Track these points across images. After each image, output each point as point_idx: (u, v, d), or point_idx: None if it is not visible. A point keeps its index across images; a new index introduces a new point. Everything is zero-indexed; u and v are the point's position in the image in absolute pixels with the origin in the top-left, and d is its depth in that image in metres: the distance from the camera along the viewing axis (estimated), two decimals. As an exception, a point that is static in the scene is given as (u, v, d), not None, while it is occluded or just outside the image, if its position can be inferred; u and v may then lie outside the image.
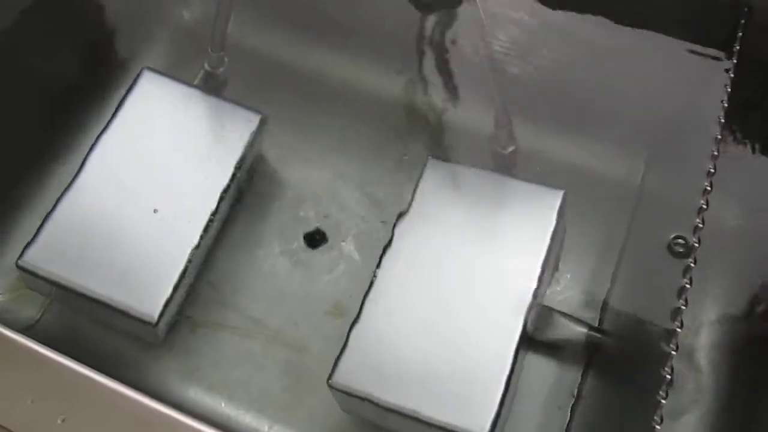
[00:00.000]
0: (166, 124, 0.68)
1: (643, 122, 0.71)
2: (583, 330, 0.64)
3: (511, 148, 0.69)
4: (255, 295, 0.69)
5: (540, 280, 0.62)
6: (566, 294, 0.68)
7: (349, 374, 0.58)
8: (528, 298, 0.61)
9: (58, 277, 0.61)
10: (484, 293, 0.61)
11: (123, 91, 0.69)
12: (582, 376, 0.65)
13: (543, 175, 0.67)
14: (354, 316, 0.60)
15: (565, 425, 0.63)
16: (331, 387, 0.58)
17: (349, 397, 0.58)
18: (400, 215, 0.64)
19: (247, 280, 0.69)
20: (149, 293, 0.61)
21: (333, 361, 0.59)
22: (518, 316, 0.61)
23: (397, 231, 0.64)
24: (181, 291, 0.64)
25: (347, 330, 0.60)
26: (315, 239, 0.71)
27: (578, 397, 0.65)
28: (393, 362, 0.58)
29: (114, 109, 0.68)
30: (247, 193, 0.72)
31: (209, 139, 0.68)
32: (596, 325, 0.66)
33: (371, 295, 0.61)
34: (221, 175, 0.66)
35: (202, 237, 0.64)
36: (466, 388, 0.57)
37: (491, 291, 0.61)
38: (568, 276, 0.69)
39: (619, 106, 0.72)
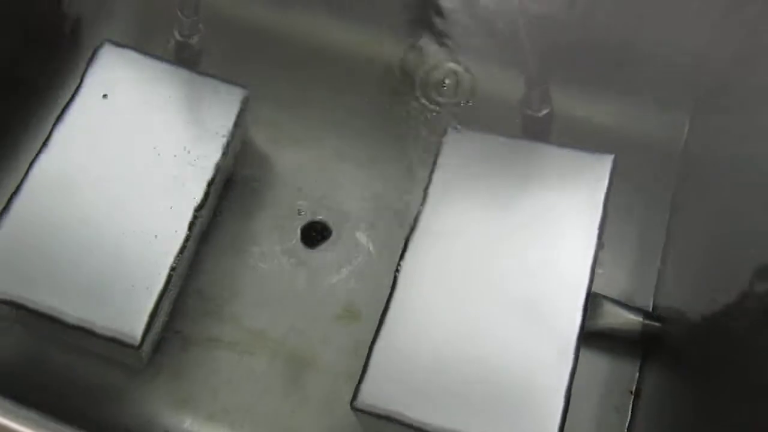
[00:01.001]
0: (134, 106, 0.62)
1: (688, 78, 0.68)
2: (638, 318, 0.60)
3: (544, 111, 0.63)
4: (252, 302, 0.64)
5: (595, 264, 0.56)
6: (611, 276, 0.63)
7: (376, 392, 0.53)
8: (584, 286, 0.55)
9: (17, 298, 0.55)
10: (530, 285, 0.55)
11: (80, 72, 0.64)
12: (640, 371, 0.61)
13: (579, 141, 0.62)
14: (369, 320, 0.57)
15: (626, 428, 0.59)
16: (355, 409, 0.53)
17: (376, 419, 0.53)
18: (424, 197, 0.59)
19: (243, 286, 0.65)
20: (129, 310, 0.56)
21: (348, 374, 0.56)
22: (575, 309, 0.55)
23: (421, 217, 0.58)
24: (166, 304, 0.59)
25: (362, 336, 0.57)
26: (318, 233, 0.67)
27: (638, 395, 0.60)
28: (427, 375, 0.53)
29: (70, 95, 0.62)
30: (234, 183, 0.68)
31: (187, 122, 0.62)
32: (650, 310, 0.62)
33: (396, 296, 0.56)
34: (205, 164, 0.61)
35: (186, 239, 0.59)
36: (518, 401, 0.52)
37: (539, 282, 0.56)
38: (612, 254, 0.64)
39: (661, 61, 0.68)
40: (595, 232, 0.57)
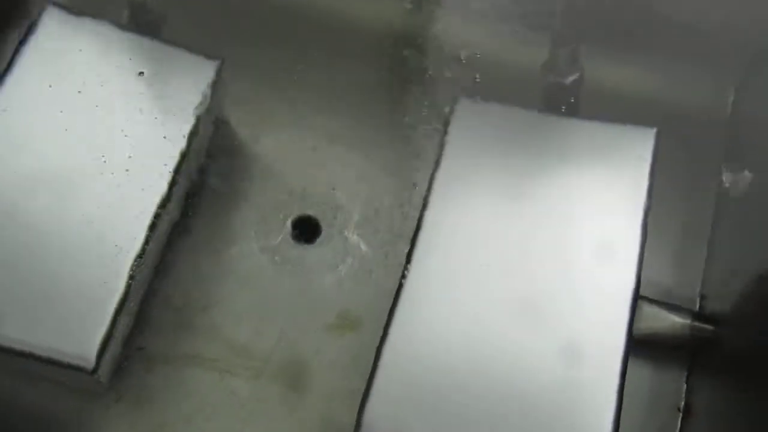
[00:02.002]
0: (83, 81, 0.59)
1: (737, 41, 0.65)
2: (685, 321, 0.58)
3: (573, 77, 0.61)
4: (232, 312, 0.62)
5: (642, 260, 0.53)
6: (649, 270, 0.58)
7: (384, 415, 0.50)
8: (629, 288, 0.52)
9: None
10: (563, 289, 0.53)
11: (15, 41, 0.60)
12: (688, 383, 0.59)
13: (613, 113, 0.59)
14: (368, 329, 0.57)
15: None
16: None
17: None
18: (431, 186, 0.56)
19: (220, 293, 0.63)
20: (79, 328, 0.53)
21: (347, 393, 0.55)
22: (622, 309, 0.52)
23: (428, 209, 0.55)
24: (126, 318, 0.56)
25: (360, 348, 0.58)
26: (306, 229, 0.65)
27: (687, 413, 0.58)
28: (442, 395, 0.51)
29: (4, 67, 0.59)
30: (208, 172, 0.65)
31: (147, 100, 0.59)
32: (698, 310, 0.60)
33: (402, 304, 0.53)
34: (169, 150, 0.58)
35: (148, 238, 0.55)
36: (554, 425, 0.49)
37: (574, 285, 0.53)
38: (648, 244, 0.58)
39: (708, 22, 0.65)
40: (640, 221, 0.54)
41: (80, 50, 0.60)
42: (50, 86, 0.58)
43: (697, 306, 0.61)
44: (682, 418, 0.58)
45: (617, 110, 0.62)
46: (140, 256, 0.55)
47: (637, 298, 0.52)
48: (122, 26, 0.62)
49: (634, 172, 0.55)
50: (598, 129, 0.57)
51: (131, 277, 0.55)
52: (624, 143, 0.56)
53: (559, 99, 0.62)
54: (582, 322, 0.52)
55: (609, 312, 0.52)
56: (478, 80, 0.69)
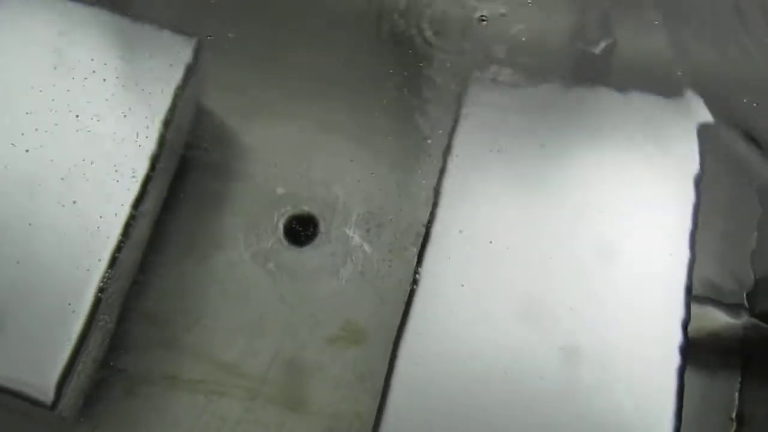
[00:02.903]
0: (44, 63, 0.55)
1: None
2: (738, 320, 0.56)
3: (604, 43, 0.60)
4: (220, 326, 0.59)
5: (694, 254, 0.50)
6: (698, 265, 0.55)
7: None
8: (682, 281, 0.49)
9: None
10: (602, 285, 0.49)
11: None
12: (741, 390, 0.57)
13: (649, 84, 0.57)
14: (375, 341, 0.57)
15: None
16: None
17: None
18: (442, 176, 0.54)
19: (206, 305, 0.60)
20: (36, 352, 0.49)
21: (353, 416, 0.54)
22: (673, 314, 0.48)
23: (441, 203, 0.52)
24: (99, 336, 0.53)
25: (367, 363, 0.56)
26: (302, 229, 0.62)
27: (741, 423, 0.56)
28: (466, 414, 0.48)
29: None
30: (190, 167, 0.63)
31: (117, 84, 0.56)
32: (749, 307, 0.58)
33: (415, 312, 0.50)
34: (142, 141, 0.54)
35: (120, 245, 0.52)
36: None
37: (614, 278, 0.49)
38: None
39: None
40: (690, 207, 0.51)
41: (39, 28, 0.57)
42: (5, 72, 0.55)
43: (745, 301, 0.58)
44: (736, 429, 0.56)
45: (654, 80, 0.61)
46: (111, 265, 0.52)
47: (690, 296, 0.49)
48: (88, 1, 0.59)
49: (680, 151, 0.52)
50: (635, 102, 0.54)
51: (101, 291, 0.51)
52: (666, 117, 0.53)
53: (589, 69, 0.60)
54: (626, 328, 0.48)
55: (658, 318, 0.49)
56: (493, 52, 0.66)
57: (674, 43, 0.65)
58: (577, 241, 0.51)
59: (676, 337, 0.48)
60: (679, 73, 0.63)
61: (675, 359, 0.48)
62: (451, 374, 0.49)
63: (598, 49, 0.61)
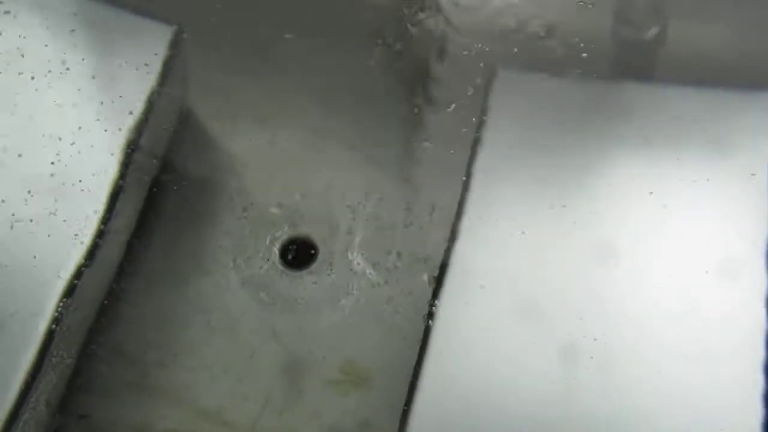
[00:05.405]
0: (9, 54, 0.52)
1: None
2: None
3: (653, 29, 0.56)
4: (202, 365, 0.55)
5: None
6: None
7: None
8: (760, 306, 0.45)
9: None
10: (667, 308, 0.45)
11: None
12: None
13: (699, 77, 0.54)
14: (381, 384, 0.53)
15: None
16: None
17: None
18: (466, 188, 0.51)
19: (185, 338, 0.56)
20: None
21: None
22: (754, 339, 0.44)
23: (463, 221, 0.49)
24: (54, 376, 0.49)
25: (372, 410, 0.53)
26: (299, 253, 0.59)
27: None
28: None
29: None
30: (169, 179, 0.60)
31: (86, 78, 0.52)
32: None
33: (433, 350, 0.46)
34: (112, 145, 0.51)
35: (81, 269, 0.48)
36: None
37: (679, 300, 0.45)
38: None
39: None
40: (765, 222, 0.47)
41: (13, 16, 0.54)
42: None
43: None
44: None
45: (704, 73, 0.57)
46: (69, 293, 0.47)
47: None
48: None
49: (747, 154, 0.48)
50: (690, 95, 0.50)
51: (56, 322, 0.46)
52: (730, 116, 0.49)
53: (633, 61, 0.58)
54: (691, 354, 0.44)
55: (733, 341, 0.44)
56: (516, 46, 0.63)
57: (720, 35, 0.63)
58: (618, 263, 0.47)
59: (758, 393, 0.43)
60: (731, 68, 0.60)
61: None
62: (475, 415, 0.46)
63: (646, 35, 0.58)
